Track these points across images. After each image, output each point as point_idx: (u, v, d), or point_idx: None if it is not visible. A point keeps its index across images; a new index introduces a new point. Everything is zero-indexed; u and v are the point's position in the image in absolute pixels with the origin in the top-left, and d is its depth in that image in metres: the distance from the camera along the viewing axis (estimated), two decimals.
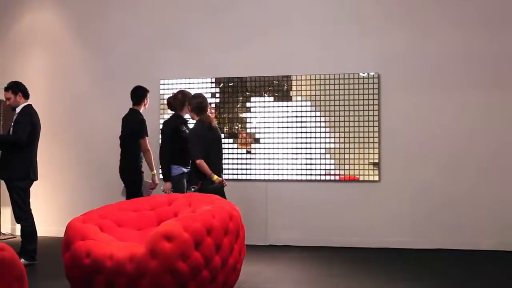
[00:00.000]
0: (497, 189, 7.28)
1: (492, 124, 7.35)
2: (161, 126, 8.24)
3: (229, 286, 4.52)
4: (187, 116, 6.77)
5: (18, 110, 6.60)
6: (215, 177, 5.89)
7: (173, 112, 6.83)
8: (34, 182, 6.67)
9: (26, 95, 6.68)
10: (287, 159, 7.84)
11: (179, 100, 6.69)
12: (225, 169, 7.80)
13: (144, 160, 6.99)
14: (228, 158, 7.97)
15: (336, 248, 7.45)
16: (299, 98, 7.83)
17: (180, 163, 6.55)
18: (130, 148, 6.97)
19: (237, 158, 7.92)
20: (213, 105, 7.98)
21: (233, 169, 7.97)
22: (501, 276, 5.97)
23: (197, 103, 6.13)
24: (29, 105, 6.66)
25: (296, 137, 7.81)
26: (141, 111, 7.14)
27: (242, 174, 7.91)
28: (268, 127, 7.91)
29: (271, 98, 7.93)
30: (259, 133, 7.92)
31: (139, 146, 6.93)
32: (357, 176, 7.61)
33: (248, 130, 7.96)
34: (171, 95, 6.78)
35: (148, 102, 7.25)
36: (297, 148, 7.80)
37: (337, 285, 5.63)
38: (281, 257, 6.97)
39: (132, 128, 6.96)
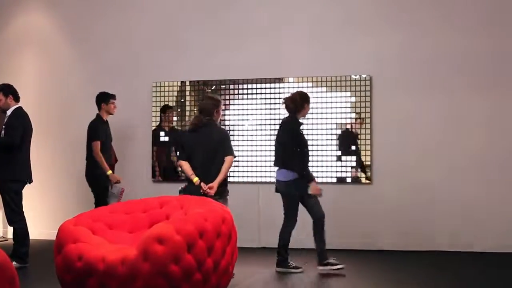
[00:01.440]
0: (492, 190, 7.30)
1: (487, 124, 7.39)
2: (153, 129, 8.26)
3: None
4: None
5: (8, 112, 6.58)
6: (195, 179, 5.75)
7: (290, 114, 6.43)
8: (28, 184, 6.67)
9: (16, 98, 6.67)
10: None
11: (297, 102, 6.30)
12: None
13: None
14: None
15: (328, 250, 7.44)
16: None
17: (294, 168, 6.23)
18: (88, 150, 7.22)
19: None
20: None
21: None
22: (498, 277, 6.00)
23: (204, 105, 6.03)
24: (20, 108, 6.65)
25: None
26: (105, 117, 7.32)
27: (234, 176, 7.90)
28: (260, 129, 7.92)
29: (263, 100, 7.93)
30: (251, 135, 7.92)
31: (103, 152, 7.14)
32: (349, 179, 7.63)
33: (240, 132, 7.96)
34: (288, 95, 6.51)
35: (114, 107, 7.34)
36: None
37: (331, 286, 5.65)
38: (273, 259, 6.95)
39: (88, 132, 7.23)
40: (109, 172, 7.14)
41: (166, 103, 8.22)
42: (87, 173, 7.28)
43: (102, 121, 7.31)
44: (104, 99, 7.33)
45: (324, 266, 6.12)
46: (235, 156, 5.95)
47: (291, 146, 6.20)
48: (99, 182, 7.16)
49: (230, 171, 7.83)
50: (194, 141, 5.85)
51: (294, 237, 6.31)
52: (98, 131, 7.17)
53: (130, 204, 5.13)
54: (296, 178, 6.17)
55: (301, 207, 6.26)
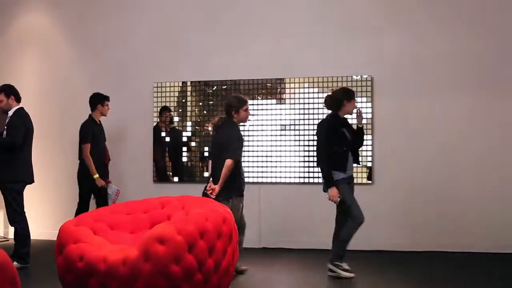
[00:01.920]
0: (491, 191, 7.30)
1: (487, 126, 7.38)
2: (154, 129, 8.27)
3: None
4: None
5: (10, 113, 6.59)
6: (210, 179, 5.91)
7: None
8: (30, 184, 6.69)
9: (18, 99, 6.68)
10: (280, 161, 7.84)
11: (335, 98, 5.99)
12: None
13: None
14: None
15: (329, 250, 7.45)
16: (292, 100, 7.85)
17: (337, 168, 5.88)
18: (81, 155, 7.26)
19: None
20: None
21: None
22: (494, 278, 6.00)
23: (224, 105, 6.10)
24: (21, 108, 6.66)
25: (289, 140, 7.82)
26: (98, 118, 7.37)
27: None
28: (261, 130, 7.92)
29: (265, 101, 7.94)
30: (253, 135, 7.93)
31: (96, 152, 7.22)
32: None
33: (241, 133, 7.95)
34: (330, 93, 6.31)
35: (108, 109, 7.41)
36: (290, 150, 7.82)
37: (331, 287, 5.65)
38: (274, 260, 6.98)
39: (79, 133, 7.28)
40: (96, 175, 7.15)
41: (167, 103, 8.23)
42: (78, 173, 7.34)
43: (94, 122, 7.35)
44: (100, 100, 7.37)
45: (335, 267, 5.90)
46: (237, 160, 5.84)
47: (321, 145, 5.97)
48: (86, 184, 7.20)
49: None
50: (212, 141, 6.12)
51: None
52: (88, 133, 7.21)
53: (131, 204, 5.14)
54: (340, 179, 5.88)
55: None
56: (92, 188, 7.21)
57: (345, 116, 6.10)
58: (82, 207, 7.13)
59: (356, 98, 6.16)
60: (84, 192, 7.25)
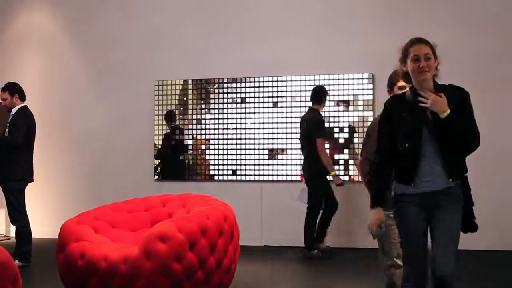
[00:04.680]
0: (492, 189, 7.28)
1: (488, 124, 7.33)
2: (155, 128, 8.26)
3: (224, 286, 4.53)
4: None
5: (14, 111, 6.59)
6: None
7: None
8: (30, 183, 6.68)
9: (22, 97, 6.68)
10: (282, 159, 7.83)
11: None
12: (219, 169, 7.86)
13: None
14: (224, 159, 7.98)
15: (334, 248, 7.44)
16: (293, 99, 7.83)
17: (399, 178, 3.70)
18: (311, 147, 6.82)
19: (232, 159, 7.93)
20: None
21: (228, 169, 7.97)
22: (496, 277, 5.99)
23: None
24: (25, 107, 6.66)
25: (291, 138, 7.81)
26: (320, 111, 7.06)
27: (237, 174, 7.91)
28: (263, 128, 7.91)
29: (265, 99, 7.93)
30: (254, 133, 7.92)
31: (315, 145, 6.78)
32: (352, 177, 7.62)
33: (243, 131, 7.96)
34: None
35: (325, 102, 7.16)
36: (291, 149, 7.80)
37: (332, 285, 5.65)
38: (275, 258, 6.98)
39: (309, 127, 6.86)
40: (334, 172, 6.75)
41: (169, 101, 8.22)
42: (311, 172, 6.85)
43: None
44: (327, 93, 7.09)
45: None
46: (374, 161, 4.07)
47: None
48: (319, 185, 6.79)
49: (236, 169, 7.89)
50: None
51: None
52: (323, 127, 6.86)
53: (132, 202, 5.15)
54: (400, 194, 3.67)
55: None
56: (325, 188, 6.78)
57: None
58: (314, 213, 6.77)
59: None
60: (315, 195, 6.74)
